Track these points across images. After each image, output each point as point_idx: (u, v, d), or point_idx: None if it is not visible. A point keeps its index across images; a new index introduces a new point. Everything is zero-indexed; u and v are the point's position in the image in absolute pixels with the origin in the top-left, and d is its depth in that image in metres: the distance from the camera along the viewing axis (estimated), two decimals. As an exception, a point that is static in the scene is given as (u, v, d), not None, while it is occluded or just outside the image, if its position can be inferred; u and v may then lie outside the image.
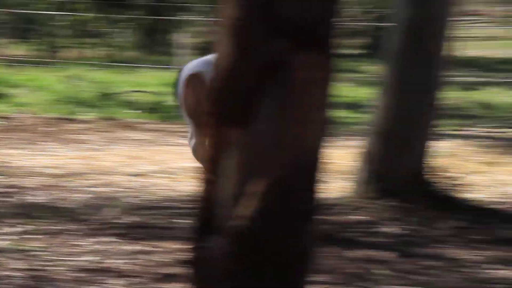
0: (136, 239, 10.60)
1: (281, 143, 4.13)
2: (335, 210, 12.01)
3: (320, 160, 4.30)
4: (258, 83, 4.14)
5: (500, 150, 17.05)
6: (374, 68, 30.70)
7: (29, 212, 11.69)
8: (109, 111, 23.22)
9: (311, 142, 4.19)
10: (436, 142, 14.47)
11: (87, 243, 10.39)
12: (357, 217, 11.78)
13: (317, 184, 4.32)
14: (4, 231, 10.71)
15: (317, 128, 4.20)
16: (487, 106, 24.24)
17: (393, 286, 9.35)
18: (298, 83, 4.13)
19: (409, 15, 12.18)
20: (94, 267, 9.47)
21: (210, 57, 9.62)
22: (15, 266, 9.30)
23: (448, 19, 12.52)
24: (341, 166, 15.07)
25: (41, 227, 10.94)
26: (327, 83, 4.21)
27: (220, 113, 4.29)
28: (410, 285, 9.36)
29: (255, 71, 4.14)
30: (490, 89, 27.47)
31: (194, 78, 10.04)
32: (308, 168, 4.22)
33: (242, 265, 4.24)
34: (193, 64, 10.43)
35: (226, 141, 4.26)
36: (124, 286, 8.90)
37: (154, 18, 40.40)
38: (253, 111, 4.16)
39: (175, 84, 10.58)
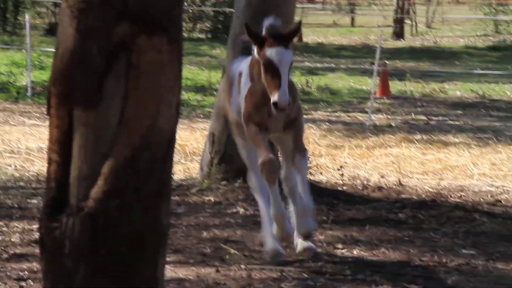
0: (-15, 218, 10.50)
1: (130, 123, 4.13)
2: (184, 191, 12.06)
3: (170, 141, 4.31)
4: (104, 65, 4.13)
5: (343, 133, 17.25)
6: (217, 52, 31.00)
7: None
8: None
9: (160, 123, 4.19)
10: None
11: None
12: (206, 198, 11.82)
13: (167, 165, 4.33)
14: None
15: (166, 109, 4.21)
16: (327, 90, 24.50)
17: (243, 264, 9.42)
18: (144, 65, 4.14)
19: (252, 1, 12.25)
20: None
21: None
22: None
23: (291, 5, 12.66)
24: (188, 147, 15.13)
25: None
26: (175, 66, 4.23)
27: (67, 94, 4.26)
28: (261, 264, 9.46)
29: (101, 52, 4.12)
30: (330, 73, 27.79)
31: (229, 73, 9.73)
32: (157, 148, 4.22)
33: (95, 245, 4.21)
34: (238, 63, 9.57)
35: (74, 122, 4.25)
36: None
37: (4, -1, 39.91)
38: (101, 92, 4.15)
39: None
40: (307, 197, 8.94)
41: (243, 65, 9.17)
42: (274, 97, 8.06)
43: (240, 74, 9.12)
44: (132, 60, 4.10)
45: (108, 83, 4.10)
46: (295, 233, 9.18)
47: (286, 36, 8.38)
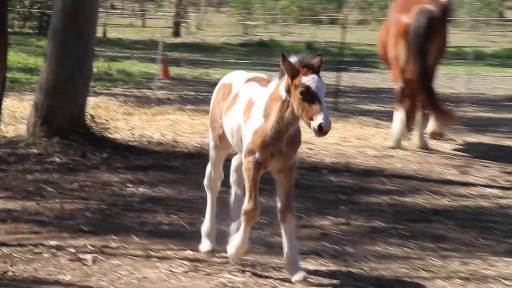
0: None
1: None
2: (14, 145, 11.80)
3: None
4: None
5: (135, 104, 17.17)
6: (42, 43, 30.30)
7: None
8: None
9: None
10: (91, 96, 14.50)
11: None
12: (30, 150, 11.59)
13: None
14: None
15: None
16: (124, 72, 24.35)
17: (58, 199, 9.31)
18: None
19: (66, 4, 12.07)
20: None
21: (247, 73, 7.39)
22: None
23: (96, 8, 12.51)
24: (18, 113, 14.77)
25: None
26: (1, 50, 4.13)
27: None
28: (81, 199, 9.36)
29: None
30: (126, 61, 27.63)
31: (224, 87, 7.34)
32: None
33: None
34: (232, 74, 7.54)
35: None
36: None
37: None
38: None
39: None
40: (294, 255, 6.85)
41: (247, 85, 7.08)
42: (317, 120, 6.22)
43: (239, 92, 7.05)
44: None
45: None
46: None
47: (318, 66, 6.47)
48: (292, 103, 6.44)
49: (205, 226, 7.53)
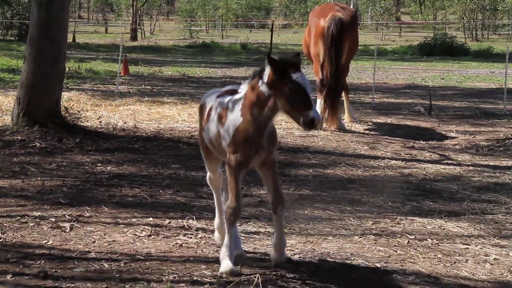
0: None
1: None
2: (1, 133, 11.56)
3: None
4: None
5: (101, 97, 16.96)
6: (22, 48, 29.69)
7: None
8: None
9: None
10: (65, 91, 14.25)
11: None
12: (15, 137, 11.36)
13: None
14: None
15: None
16: (91, 71, 24.03)
17: (39, 177, 9.15)
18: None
19: (41, 15, 11.86)
20: None
21: (223, 89, 6.43)
22: None
23: (66, 18, 12.32)
24: (4, 106, 14.49)
25: None
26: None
27: None
28: (59, 177, 9.20)
29: None
30: (93, 61, 27.28)
31: (201, 108, 6.46)
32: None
33: None
34: (206, 94, 6.56)
35: None
36: None
37: None
38: None
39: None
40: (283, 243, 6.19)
41: (218, 99, 6.23)
42: (309, 115, 5.52)
43: (212, 107, 6.22)
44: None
45: None
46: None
47: (299, 64, 5.73)
48: (277, 99, 5.69)
49: (216, 220, 6.68)
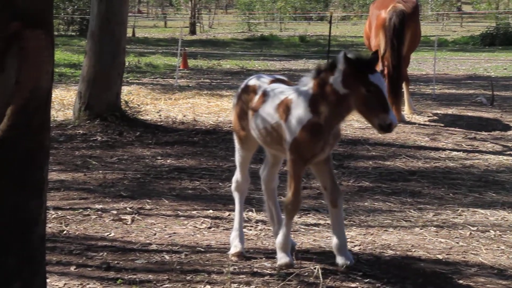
0: None
1: (22, 83, 3.92)
2: (63, 127, 11.80)
3: (48, 94, 4.13)
4: (4, 47, 3.92)
5: (161, 91, 17.11)
6: (83, 43, 30.18)
7: None
8: None
9: (41, 83, 4.02)
10: (125, 86, 14.44)
11: None
12: (76, 131, 11.57)
13: (47, 108, 4.14)
14: None
15: (45, 74, 4.05)
16: (151, 65, 24.28)
17: (101, 171, 9.30)
18: (30, 48, 3.96)
19: (101, 10, 12.06)
20: None
21: (270, 77, 6.22)
22: None
23: (125, 13, 12.47)
24: (66, 101, 14.76)
25: None
26: (49, 48, 4.06)
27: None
28: (120, 170, 9.35)
29: (1, 40, 3.91)
30: (152, 56, 27.58)
31: (245, 90, 6.18)
32: (40, 99, 4.04)
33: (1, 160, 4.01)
34: (253, 77, 6.30)
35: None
36: None
37: None
38: (2, 64, 3.93)
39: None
40: (342, 232, 5.90)
41: (273, 86, 6.01)
42: (386, 119, 5.29)
43: (266, 93, 5.95)
44: (22, 44, 3.93)
45: (7, 59, 3.90)
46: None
47: (375, 64, 5.54)
48: (353, 99, 5.46)
49: (233, 234, 6.30)
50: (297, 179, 5.73)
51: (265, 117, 5.88)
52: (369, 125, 5.64)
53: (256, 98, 6.02)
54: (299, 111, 5.65)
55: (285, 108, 5.74)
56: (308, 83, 5.73)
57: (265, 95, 5.96)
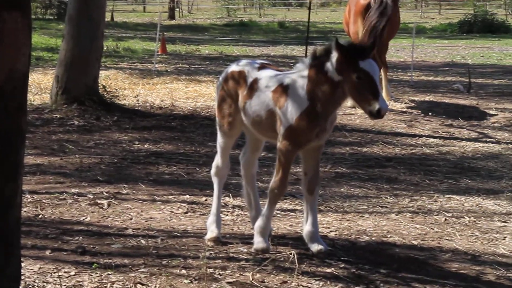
0: None
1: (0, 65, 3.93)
2: (40, 111, 11.73)
3: (25, 77, 4.10)
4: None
5: (139, 76, 17.02)
6: (60, 27, 29.96)
7: None
8: None
9: (18, 66, 3.99)
10: (102, 70, 14.36)
11: None
12: (53, 115, 11.51)
13: (24, 91, 4.11)
14: None
15: (22, 57, 4.01)
16: (129, 50, 24.15)
17: (77, 155, 9.27)
18: (7, 30, 3.93)
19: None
20: None
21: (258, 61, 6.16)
22: None
23: (104, -3, 12.42)
24: (43, 84, 14.65)
25: None
26: (26, 31, 4.03)
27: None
28: (97, 155, 9.32)
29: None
30: (131, 40, 27.43)
31: (237, 75, 6.02)
32: (17, 81, 4.01)
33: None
34: (240, 62, 6.16)
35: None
36: None
37: None
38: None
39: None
40: (314, 221, 5.89)
41: (263, 72, 5.94)
42: (376, 105, 5.29)
43: (257, 80, 5.87)
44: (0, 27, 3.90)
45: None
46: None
47: (371, 50, 5.50)
48: (346, 86, 5.46)
49: (210, 218, 6.26)
50: (287, 165, 5.72)
51: (260, 104, 5.82)
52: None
53: (248, 84, 5.93)
54: (295, 98, 5.63)
55: (281, 95, 5.71)
56: (303, 70, 5.71)
57: (257, 81, 5.89)
